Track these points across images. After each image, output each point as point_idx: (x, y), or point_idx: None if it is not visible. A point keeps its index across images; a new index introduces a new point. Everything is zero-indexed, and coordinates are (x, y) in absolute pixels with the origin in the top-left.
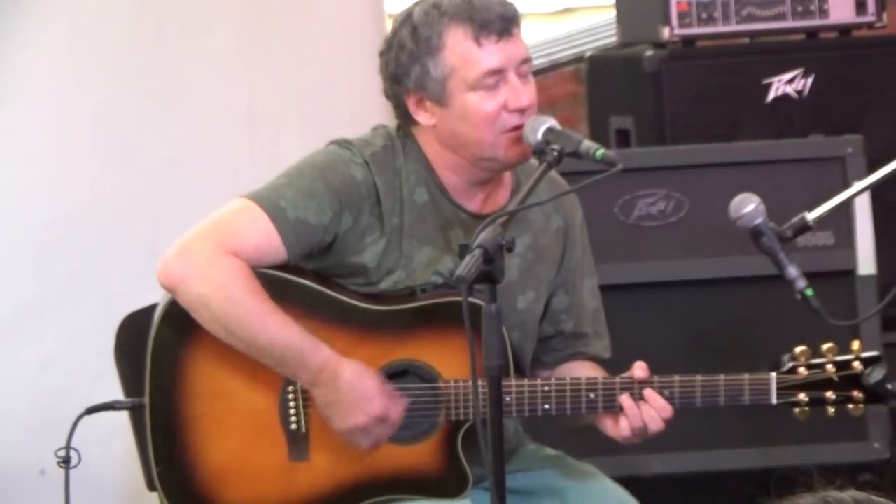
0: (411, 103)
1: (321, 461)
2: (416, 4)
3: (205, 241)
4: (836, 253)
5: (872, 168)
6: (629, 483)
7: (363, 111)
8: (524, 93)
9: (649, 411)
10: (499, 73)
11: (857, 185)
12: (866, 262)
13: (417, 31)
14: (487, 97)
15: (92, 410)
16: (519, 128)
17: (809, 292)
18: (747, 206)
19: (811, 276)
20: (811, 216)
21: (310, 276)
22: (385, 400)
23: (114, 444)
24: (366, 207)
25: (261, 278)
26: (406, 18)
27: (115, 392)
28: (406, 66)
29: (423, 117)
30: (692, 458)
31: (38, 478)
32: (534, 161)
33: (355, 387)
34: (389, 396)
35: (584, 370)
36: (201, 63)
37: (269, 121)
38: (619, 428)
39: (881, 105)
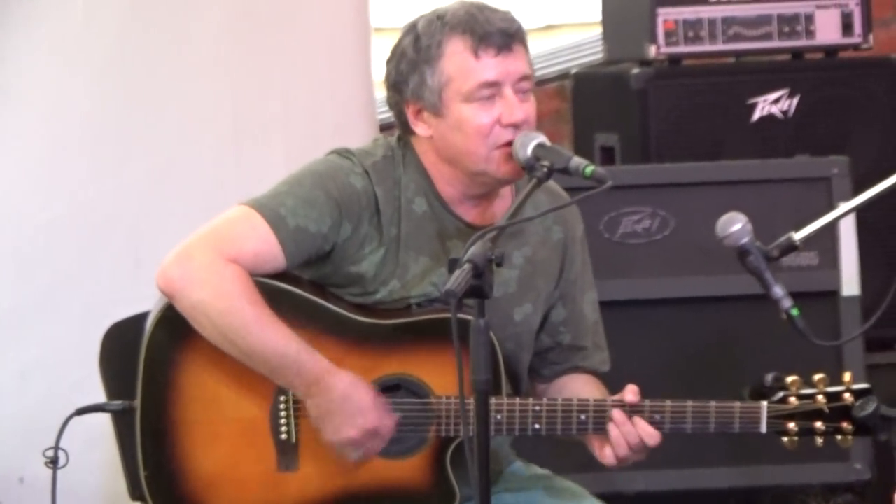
0: (410, 113)
1: (310, 472)
2: (422, 16)
3: (204, 247)
4: (820, 273)
5: (857, 189)
6: (611, 501)
7: (347, 122)
8: (519, 108)
9: (634, 438)
10: (494, 86)
11: (845, 206)
12: (850, 283)
13: (419, 40)
14: (481, 110)
15: (82, 412)
16: (512, 144)
17: (795, 312)
18: (734, 225)
19: (795, 297)
20: (798, 236)
21: (305, 286)
22: (377, 414)
23: (94, 452)
24: (365, 217)
25: (257, 287)
26: (411, 28)
27: (97, 400)
28: (406, 74)
29: (420, 128)
30: (674, 476)
31: (16, 486)
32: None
33: (349, 399)
34: (382, 410)
35: (581, 384)
36: (187, 73)
37: (254, 130)
38: (605, 455)
39: (866, 126)
